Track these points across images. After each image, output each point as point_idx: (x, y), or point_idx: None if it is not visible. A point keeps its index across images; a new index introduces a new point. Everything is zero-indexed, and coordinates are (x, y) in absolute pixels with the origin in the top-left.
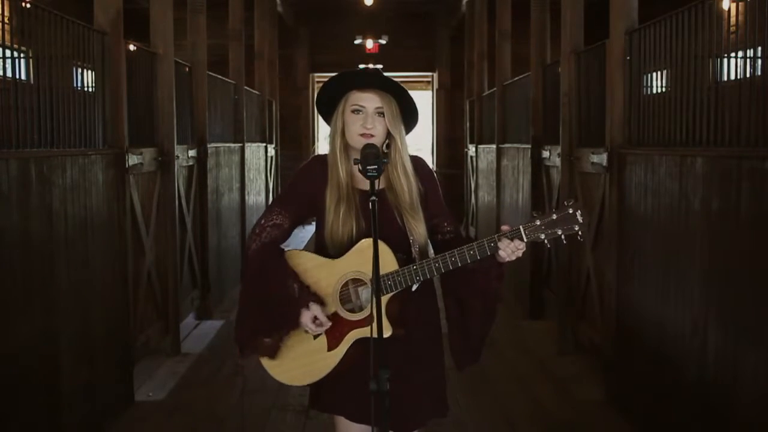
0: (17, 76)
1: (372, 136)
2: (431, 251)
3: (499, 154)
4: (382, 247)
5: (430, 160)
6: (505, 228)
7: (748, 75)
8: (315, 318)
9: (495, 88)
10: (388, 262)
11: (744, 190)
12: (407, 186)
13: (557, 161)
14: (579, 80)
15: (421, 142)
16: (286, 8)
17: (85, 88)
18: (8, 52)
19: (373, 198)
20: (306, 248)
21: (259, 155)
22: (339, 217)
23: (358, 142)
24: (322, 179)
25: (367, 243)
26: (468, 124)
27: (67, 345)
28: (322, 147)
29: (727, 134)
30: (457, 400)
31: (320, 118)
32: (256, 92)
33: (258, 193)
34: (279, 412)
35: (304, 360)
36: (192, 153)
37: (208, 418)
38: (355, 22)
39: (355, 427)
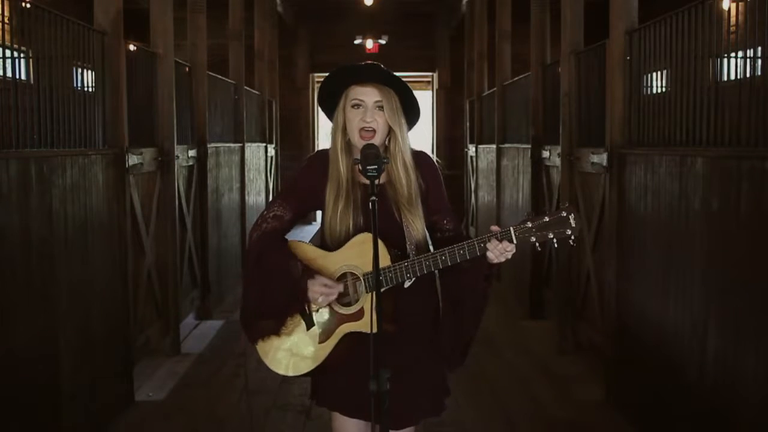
0: (17, 76)
1: (372, 129)
2: (432, 248)
3: (499, 154)
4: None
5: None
6: (494, 228)
7: (748, 75)
8: (324, 284)
9: (495, 88)
10: (382, 257)
11: (744, 190)
12: (406, 181)
13: (557, 161)
14: (579, 80)
15: (421, 141)
16: (286, 8)
17: (85, 88)
18: (8, 52)
19: (374, 198)
20: (312, 242)
21: (259, 155)
22: (338, 212)
23: (358, 140)
24: (324, 174)
25: (362, 237)
26: (468, 124)
27: (67, 345)
28: (322, 146)
29: (727, 134)
30: (457, 400)
31: (320, 118)
32: (256, 92)
33: (258, 193)
34: (279, 412)
35: (295, 350)
36: (192, 153)
37: (208, 418)
38: (355, 22)
39: (350, 421)
